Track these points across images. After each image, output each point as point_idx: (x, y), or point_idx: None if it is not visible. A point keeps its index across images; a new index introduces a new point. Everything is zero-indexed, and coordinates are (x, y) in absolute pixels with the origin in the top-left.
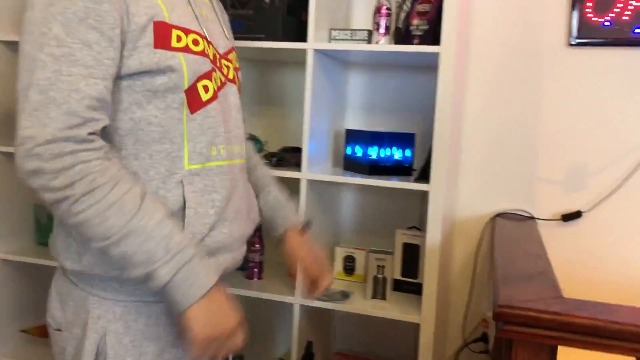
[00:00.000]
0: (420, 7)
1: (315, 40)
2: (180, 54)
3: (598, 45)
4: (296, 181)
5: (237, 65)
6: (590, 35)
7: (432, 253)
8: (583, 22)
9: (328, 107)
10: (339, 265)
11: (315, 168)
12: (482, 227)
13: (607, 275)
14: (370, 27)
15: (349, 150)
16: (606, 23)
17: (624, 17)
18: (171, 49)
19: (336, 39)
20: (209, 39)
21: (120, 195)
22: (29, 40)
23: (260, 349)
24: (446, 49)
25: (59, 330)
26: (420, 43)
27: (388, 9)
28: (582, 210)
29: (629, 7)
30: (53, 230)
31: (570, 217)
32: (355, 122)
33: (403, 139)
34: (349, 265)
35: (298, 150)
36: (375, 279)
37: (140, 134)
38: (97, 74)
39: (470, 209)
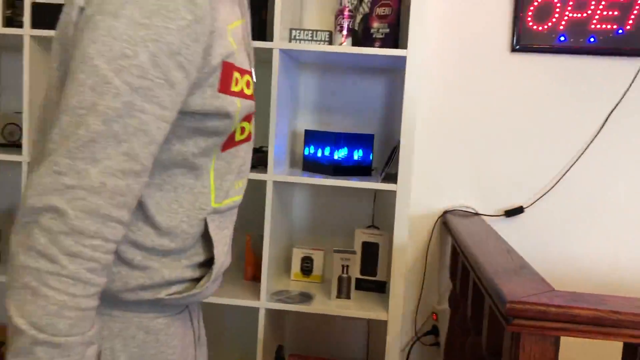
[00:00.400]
0: (380, 11)
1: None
2: (237, 100)
3: (538, 52)
4: (260, 183)
5: None
6: (531, 42)
7: (399, 251)
8: (524, 30)
9: (287, 108)
10: (296, 266)
11: (277, 169)
12: (431, 224)
13: (549, 266)
14: (321, 27)
15: (306, 151)
16: (545, 31)
17: (560, 27)
18: (231, 94)
19: (296, 39)
20: (254, 79)
21: (89, 307)
22: (103, 52)
23: (213, 353)
24: (413, 52)
25: None
26: (382, 46)
27: (350, 10)
28: (523, 205)
29: (564, 18)
30: None
31: (513, 212)
32: (306, 123)
33: (362, 140)
34: (306, 267)
35: (256, 151)
36: (340, 278)
37: (170, 165)
38: (169, 117)
39: (418, 206)
